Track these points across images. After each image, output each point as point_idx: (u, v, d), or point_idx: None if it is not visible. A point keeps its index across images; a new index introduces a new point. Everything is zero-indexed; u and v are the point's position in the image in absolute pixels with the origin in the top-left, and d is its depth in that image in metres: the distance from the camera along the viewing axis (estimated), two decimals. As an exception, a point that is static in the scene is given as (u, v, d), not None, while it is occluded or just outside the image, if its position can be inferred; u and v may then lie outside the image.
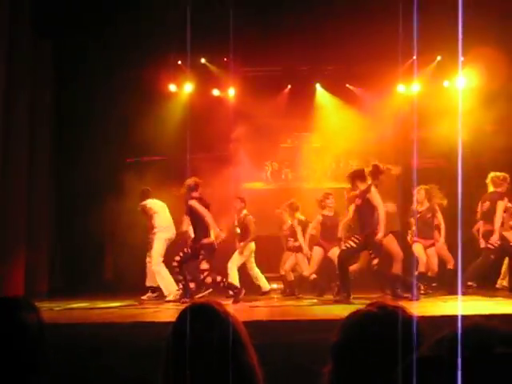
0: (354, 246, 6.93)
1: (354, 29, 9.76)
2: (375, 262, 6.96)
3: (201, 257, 7.41)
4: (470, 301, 6.51)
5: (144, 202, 8.61)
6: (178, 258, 7.38)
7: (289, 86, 11.27)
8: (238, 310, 6.07)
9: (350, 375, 1.41)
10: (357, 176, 7.21)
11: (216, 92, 11.24)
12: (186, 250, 7.48)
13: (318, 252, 8.50)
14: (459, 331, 0.66)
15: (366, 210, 6.94)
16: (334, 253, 8.00)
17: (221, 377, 1.49)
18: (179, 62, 10.92)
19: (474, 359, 0.63)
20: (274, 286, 9.62)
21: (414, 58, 10.12)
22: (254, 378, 1.56)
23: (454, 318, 3.78)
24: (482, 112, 9.33)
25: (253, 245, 8.75)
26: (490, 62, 9.34)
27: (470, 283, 7.51)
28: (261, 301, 7.73)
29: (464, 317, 0.76)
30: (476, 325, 0.70)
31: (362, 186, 7.07)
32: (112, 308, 6.98)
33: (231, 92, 11.03)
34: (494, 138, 9.54)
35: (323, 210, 8.70)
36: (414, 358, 0.71)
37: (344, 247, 7.21)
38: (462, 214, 8.20)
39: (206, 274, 7.40)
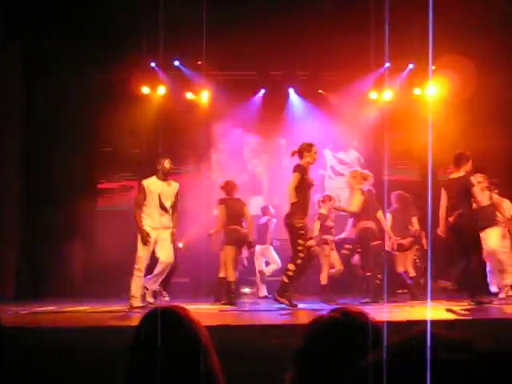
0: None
1: (327, 35, 9.84)
2: None
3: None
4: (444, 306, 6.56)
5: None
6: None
7: (263, 91, 11.28)
8: (207, 314, 6.05)
9: (313, 381, 1.40)
10: None
11: (189, 95, 11.19)
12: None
13: None
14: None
15: None
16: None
17: (181, 382, 1.47)
18: (152, 64, 10.85)
19: (418, 364, 0.65)
20: (247, 289, 9.67)
21: (387, 65, 10.24)
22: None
23: (420, 323, 3.83)
24: (452, 120, 9.48)
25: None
26: (461, 70, 9.48)
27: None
28: (233, 305, 7.66)
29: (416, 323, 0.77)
30: (423, 331, 0.71)
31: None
32: (79, 312, 6.88)
33: (205, 95, 10.99)
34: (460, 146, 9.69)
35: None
36: (364, 363, 0.72)
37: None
38: (432, 221, 8.34)
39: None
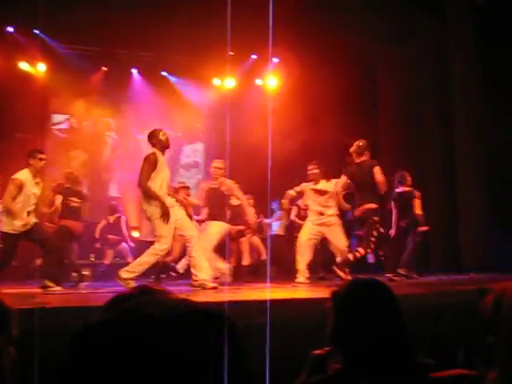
0: None
1: (174, 19, 9.74)
2: None
3: None
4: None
5: None
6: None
7: (104, 68, 10.89)
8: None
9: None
10: None
11: (24, 65, 10.45)
12: None
13: None
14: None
15: None
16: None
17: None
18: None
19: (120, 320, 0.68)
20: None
21: (231, 53, 10.39)
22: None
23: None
24: (290, 111, 9.86)
25: None
26: (301, 64, 9.87)
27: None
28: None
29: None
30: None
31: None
32: None
33: (41, 67, 10.34)
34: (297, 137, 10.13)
35: None
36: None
37: None
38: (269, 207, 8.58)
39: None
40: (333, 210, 7.17)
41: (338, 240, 7.07)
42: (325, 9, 8.91)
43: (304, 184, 7.29)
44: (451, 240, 9.14)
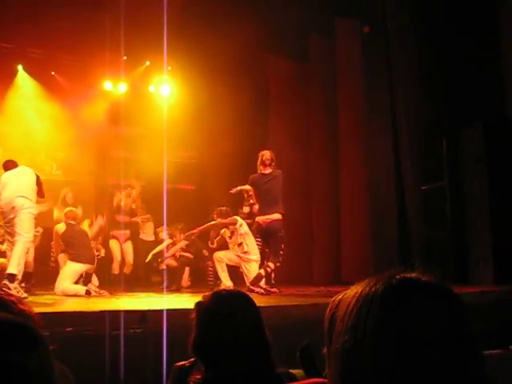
0: None
1: (66, 17, 9.37)
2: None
3: None
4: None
5: None
6: None
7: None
8: None
9: None
10: None
11: None
12: None
13: None
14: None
15: None
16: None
17: None
18: None
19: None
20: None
21: (124, 58, 10.17)
22: None
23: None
24: (188, 121, 9.82)
25: None
26: (196, 74, 9.84)
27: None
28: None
29: None
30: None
31: None
32: None
33: None
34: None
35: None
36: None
37: None
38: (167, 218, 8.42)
39: None
40: None
41: None
42: (218, 18, 8.91)
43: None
44: (333, 253, 9.43)
